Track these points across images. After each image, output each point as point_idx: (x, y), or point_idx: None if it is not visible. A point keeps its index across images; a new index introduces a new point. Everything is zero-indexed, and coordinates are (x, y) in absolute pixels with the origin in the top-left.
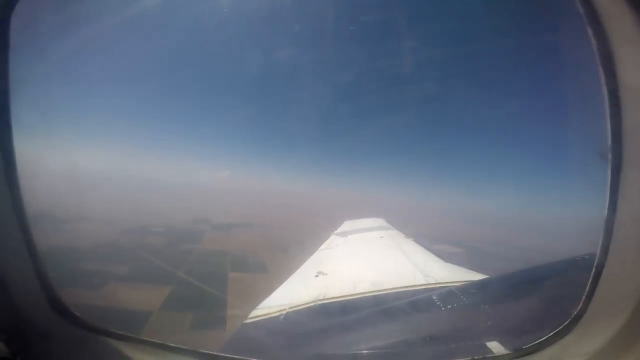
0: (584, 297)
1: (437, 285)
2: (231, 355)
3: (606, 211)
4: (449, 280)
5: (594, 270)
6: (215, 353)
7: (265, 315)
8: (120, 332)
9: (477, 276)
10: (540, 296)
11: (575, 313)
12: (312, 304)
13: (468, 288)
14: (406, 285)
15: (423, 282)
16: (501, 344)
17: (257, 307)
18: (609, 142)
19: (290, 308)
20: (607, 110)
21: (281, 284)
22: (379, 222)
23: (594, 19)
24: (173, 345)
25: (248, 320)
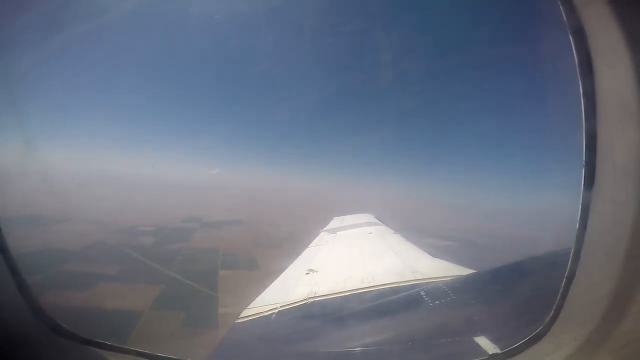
0: (555, 304)
1: (425, 281)
2: None
3: (578, 218)
4: (436, 276)
5: (565, 276)
6: None
7: (256, 314)
8: (107, 342)
9: (463, 271)
10: (519, 296)
11: (549, 317)
12: (303, 302)
13: (454, 284)
14: (395, 281)
15: (411, 277)
16: (485, 340)
17: (248, 307)
18: (584, 151)
19: (281, 306)
20: (584, 119)
21: (273, 280)
22: (368, 217)
23: (577, 28)
24: (161, 355)
25: (239, 320)
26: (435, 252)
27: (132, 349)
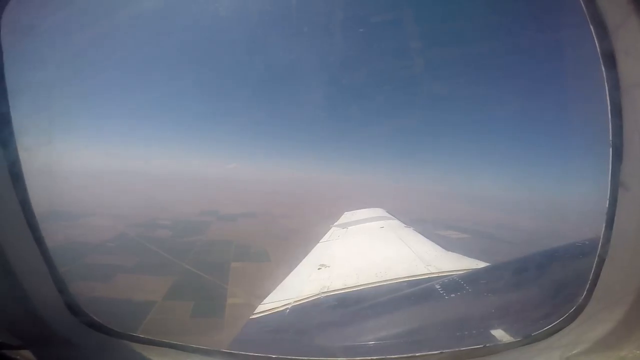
0: (587, 285)
1: (439, 275)
2: (253, 354)
3: (607, 202)
4: (450, 269)
5: (597, 258)
6: (236, 352)
7: (271, 310)
8: (140, 336)
9: (477, 264)
10: (545, 283)
11: (580, 301)
12: (317, 297)
13: (471, 277)
14: (408, 275)
15: (425, 271)
16: (507, 332)
17: (263, 303)
18: (610, 133)
19: (295, 302)
20: (609, 104)
21: (283, 272)
22: (379, 212)
23: (597, 17)
24: (193, 346)
25: (254, 316)
26: (450, 245)
27: (167, 341)
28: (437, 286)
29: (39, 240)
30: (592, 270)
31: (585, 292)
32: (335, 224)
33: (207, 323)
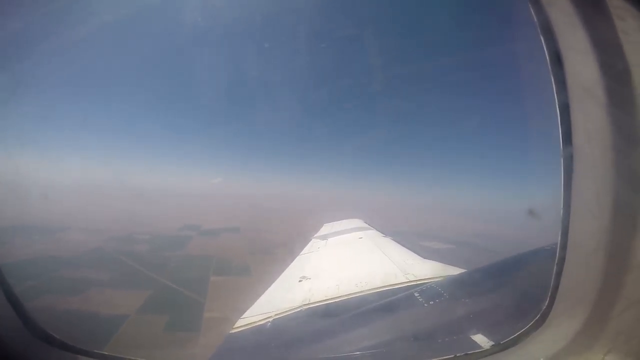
0: (550, 291)
1: (418, 283)
2: None
3: (561, 207)
4: (427, 277)
5: (555, 265)
6: None
7: (251, 324)
8: (105, 353)
9: (454, 270)
10: (515, 289)
11: (544, 307)
12: (298, 309)
13: (446, 284)
14: (388, 284)
15: (404, 280)
16: (481, 337)
17: (242, 317)
18: (561, 141)
19: (276, 315)
20: (558, 113)
21: (264, 286)
22: (358, 222)
23: (546, 28)
24: None
25: (234, 330)
26: (427, 254)
27: (121, 356)
28: (416, 294)
29: None
30: (553, 277)
31: (548, 298)
32: (315, 235)
33: (182, 337)
